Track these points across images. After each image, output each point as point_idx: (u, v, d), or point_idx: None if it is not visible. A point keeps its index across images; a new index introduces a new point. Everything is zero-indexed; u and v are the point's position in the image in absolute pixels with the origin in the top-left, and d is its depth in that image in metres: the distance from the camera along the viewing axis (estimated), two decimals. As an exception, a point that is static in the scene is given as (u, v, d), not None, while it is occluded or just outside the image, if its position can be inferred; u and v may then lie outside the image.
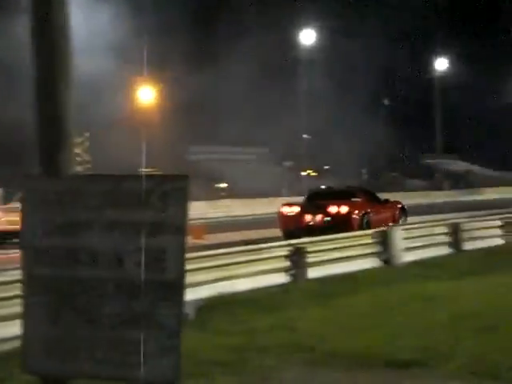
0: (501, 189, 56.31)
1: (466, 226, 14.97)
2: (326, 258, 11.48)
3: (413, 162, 67.04)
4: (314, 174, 60.63)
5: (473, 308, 7.94)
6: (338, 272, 11.23)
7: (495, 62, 68.95)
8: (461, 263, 12.32)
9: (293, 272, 10.68)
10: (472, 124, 70.98)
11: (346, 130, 51.81)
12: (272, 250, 10.69)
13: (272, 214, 33.11)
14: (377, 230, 13.23)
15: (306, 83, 50.82)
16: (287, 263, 10.69)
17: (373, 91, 59.70)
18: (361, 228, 16.65)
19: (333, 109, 50.59)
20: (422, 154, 69.33)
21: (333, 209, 17.41)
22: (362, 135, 52.88)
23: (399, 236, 12.95)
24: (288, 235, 15.87)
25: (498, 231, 15.76)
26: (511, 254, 13.64)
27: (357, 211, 17.57)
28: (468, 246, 14.53)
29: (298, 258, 10.73)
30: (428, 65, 61.37)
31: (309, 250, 11.03)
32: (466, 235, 14.69)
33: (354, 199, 18.22)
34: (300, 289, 9.92)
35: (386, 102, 64.00)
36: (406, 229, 13.63)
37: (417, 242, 13.60)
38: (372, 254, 12.60)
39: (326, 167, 62.70)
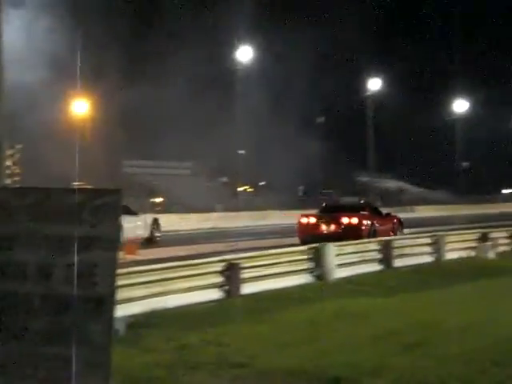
0: (432, 207, 57.69)
1: (397, 243, 15.26)
2: (260, 273, 11.53)
3: (348, 180, 68.00)
4: (250, 189, 60.88)
5: (401, 324, 8.09)
6: (272, 288, 11.28)
7: (427, 83, 70.81)
8: (391, 280, 12.54)
9: (227, 288, 10.68)
10: (404, 143, 72.53)
11: (282, 146, 52.25)
12: (206, 265, 10.67)
13: (206, 229, 33.03)
14: (310, 246, 13.37)
15: (242, 99, 51.09)
16: (221, 279, 10.69)
17: (308, 109, 60.46)
18: (368, 236, 19.14)
19: (269, 125, 51.00)
20: (357, 172, 70.42)
21: (345, 220, 20.44)
22: (297, 152, 53.40)
23: (332, 252, 13.10)
24: (304, 242, 17.67)
25: (428, 248, 16.11)
26: (439, 271, 13.96)
27: (365, 222, 20.54)
28: (398, 262, 14.79)
29: (232, 274, 10.74)
30: (362, 84, 62.52)
31: (243, 265, 11.06)
32: (396, 252, 14.96)
33: (362, 212, 21.22)
34: (233, 305, 9.92)
35: (320, 120, 64.81)
36: (339, 245, 13.79)
37: (349, 259, 13.78)
38: (305, 270, 12.72)
39: (262, 183, 63.03)
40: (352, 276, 13.00)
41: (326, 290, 11.31)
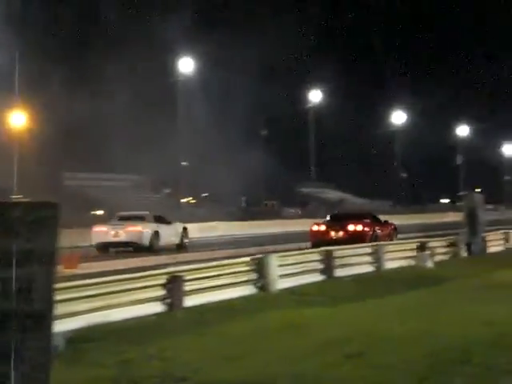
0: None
1: (338, 254, 15.37)
2: (203, 286, 11.46)
3: (290, 191, 68.44)
4: (192, 201, 60.69)
5: (343, 334, 8.15)
6: (216, 300, 11.23)
7: (367, 95, 71.91)
8: (333, 290, 12.63)
9: (169, 301, 10.59)
10: (346, 154, 73.43)
11: (225, 158, 52.29)
12: (148, 278, 10.56)
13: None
14: (252, 257, 13.37)
15: (186, 111, 50.98)
16: (163, 292, 10.59)
17: (252, 120, 60.68)
18: (371, 241, 21.63)
19: (212, 137, 50.97)
20: (300, 183, 70.95)
21: (351, 227, 23.51)
22: (240, 164, 53.52)
23: (274, 263, 13.12)
24: (316, 246, 20.18)
25: (368, 258, 16.28)
26: (380, 280, 14.13)
27: (368, 229, 23.67)
28: (340, 272, 14.91)
29: (174, 287, 10.65)
30: (303, 96, 63.14)
31: (186, 278, 10.98)
32: (338, 262, 15.07)
33: (365, 220, 24.34)
34: (177, 318, 9.84)
35: (264, 132, 65.12)
36: (281, 256, 13.83)
37: (291, 269, 13.82)
38: (249, 281, 12.70)
39: (205, 194, 62.89)
40: (295, 286, 13.04)
41: (269, 301, 11.32)
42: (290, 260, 14.12)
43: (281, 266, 13.37)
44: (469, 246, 19.48)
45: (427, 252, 17.31)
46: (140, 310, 9.98)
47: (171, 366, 6.99)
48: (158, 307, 10.40)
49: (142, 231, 25.46)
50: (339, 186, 75.20)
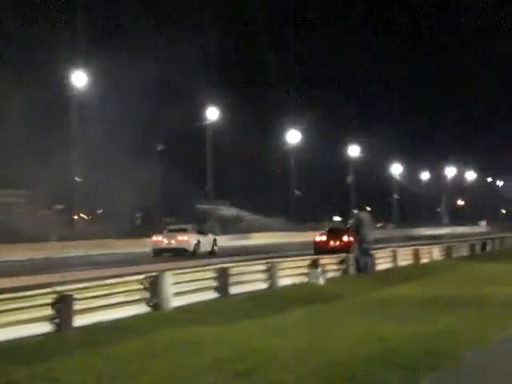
0: (267, 234, 59.02)
1: (233, 271, 15.37)
2: (93, 305, 11.18)
3: (187, 208, 68.14)
4: (86, 217, 59.39)
5: (234, 352, 8.13)
6: (107, 319, 10.97)
7: (262, 113, 72.88)
8: (226, 308, 12.61)
9: (58, 321, 10.27)
10: (243, 171, 73.93)
11: (120, 173, 51.51)
12: (34, 297, 10.20)
13: (40, 258, 31.84)
14: (146, 275, 13.16)
15: (80, 126, 49.94)
16: (51, 312, 10.26)
17: (149, 136, 60.17)
18: None
19: (107, 152, 50.16)
20: (197, 200, 70.77)
21: (345, 238, 28.81)
22: (136, 179, 52.87)
23: (169, 281, 12.97)
24: (319, 252, 25.50)
25: (262, 275, 16.37)
26: (273, 297, 14.22)
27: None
28: (234, 290, 14.90)
29: (63, 306, 10.34)
30: (200, 112, 63.16)
31: (75, 297, 10.68)
32: (232, 279, 15.07)
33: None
34: (64, 338, 9.55)
35: (161, 147, 64.59)
36: (176, 273, 13.68)
37: (186, 287, 13.70)
38: (142, 299, 12.49)
39: (99, 211, 61.71)
40: (189, 305, 12.93)
41: (162, 320, 11.17)
42: (185, 277, 13.99)
43: (175, 283, 13.23)
44: (358, 263, 19.93)
45: (319, 269, 17.58)
46: (27, 330, 9.63)
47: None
48: (45, 327, 10.06)
49: (188, 240, 33.90)
50: (236, 203, 75.64)
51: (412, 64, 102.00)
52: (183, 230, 34.87)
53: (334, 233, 31.14)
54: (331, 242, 30.13)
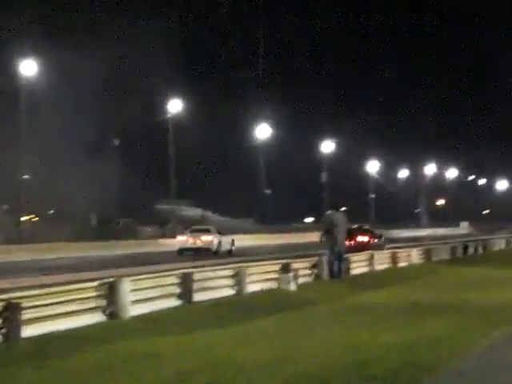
0: (235, 236, 58.74)
1: (197, 276, 15.32)
2: (44, 313, 11.06)
3: (147, 208, 67.77)
4: (35, 218, 58.74)
5: (196, 364, 8.10)
6: (59, 329, 10.87)
7: (229, 108, 72.76)
8: (190, 316, 12.58)
9: (4, 331, 10.14)
10: (207, 169, 73.76)
11: (73, 171, 51.03)
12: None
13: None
14: (102, 281, 13.07)
15: (28, 120, 49.23)
16: (-3, 321, 10.14)
17: (103, 131, 59.69)
18: (371, 248, 29.18)
19: (58, 148, 49.64)
20: (157, 200, 70.38)
21: (359, 238, 35.11)
22: (90, 178, 52.44)
23: (126, 288, 12.89)
24: None
25: (229, 281, 16.35)
26: (241, 304, 14.22)
27: (370, 239, 35.72)
28: (199, 296, 14.87)
29: (10, 315, 10.21)
30: (162, 106, 62.44)
31: (24, 305, 10.57)
32: (197, 285, 15.02)
33: (366, 233, 36.42)
34: (11, 349, 9.44)
35: (115, 143, 63.96)
36: (135, 280, 13.61)
37: (146, 294, 13.62)
38: (97, 308, 12.39)
39: (51, 211, 61.11)
40: (149, 313, 12.86)
41: (120, 330, 11.10)
42: (145, 284, 13.90)
43: (134, 290, 13.15)
44: (331, 267, 20.00)
45: (290, 274, 17.61)
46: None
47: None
48: (-10, 338, 9.93)
49: (213, 240, 38.83)
50: (199, 202, 75.42)
51: (390, 55, 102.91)
52: (207, 231, 40.09)
53: (348, 233, 34.56)
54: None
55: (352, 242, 34.28)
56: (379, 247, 32.77)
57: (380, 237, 37.51)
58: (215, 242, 39.15)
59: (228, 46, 74.96)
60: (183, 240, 39.50)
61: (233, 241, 41.47)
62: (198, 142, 67.28)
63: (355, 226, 44.18)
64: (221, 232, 40.86)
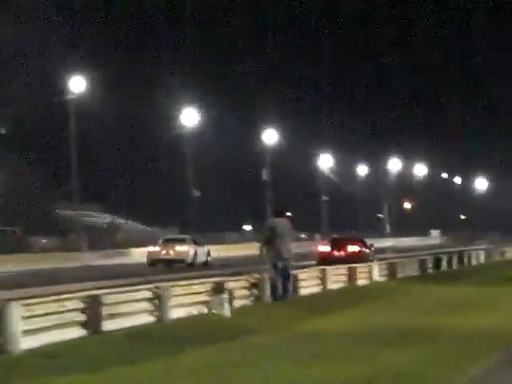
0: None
1: (108, 299, 15.19)
2: None
3: (44, 213, 66.94)
4: None
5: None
6: None
7: (147, 86, 72.51)
8: (97, 349, 12.47)
9: None
10: (119, 167, 73.26)
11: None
12: None
13: None
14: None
15: None
16: None
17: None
18: (362, 258, 35.99)
19: None
20: (56, 204, 69.59)
21: (349, 248, 39.32)
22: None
23: (16, 314, 12.72)
24: (321, 264, 31.36)
25: (148, 305, 16.25)
26: (162, 334, 14.15)
27: (361, 249, 39.59)
28: (110, 325, 14.74)
29: None
30: (60, 85, 61.29)
31: None
32: (107, 311, 14.90)
33: (357, 243, 40.46)
34: None
35: (2, 130, 62.89)
36: (26, 304, 13.43)
37: (41, 323, 13.47)
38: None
39: None
40: (45, 346, 12.73)
41: (8, 367, 10.95)
42: (41, 310, 13.75)
43: (26, 318, 13.00)
44: (274, 286, 19.97)
45: (224, 296, 17.60)
46: None
47: None
48: None
49: (188, 251, 42.31)
50: (111, 208, 74.82)
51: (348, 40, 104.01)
52: (182, 241, 43.76)
53: (337, 243, 40.33)
54: (335, 252, 39.03)
55: (342, 253, 38.75)
56: (368, 258, 37.34)
57: (370, 247, 41.87)
58: (191, 252, 42.56)
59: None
60: (155, 251, 42.80)
61: (208, 251, 45.05)
62: (109, 131, 66.67)
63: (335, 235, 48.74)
64: (197, 242, 44.54)
